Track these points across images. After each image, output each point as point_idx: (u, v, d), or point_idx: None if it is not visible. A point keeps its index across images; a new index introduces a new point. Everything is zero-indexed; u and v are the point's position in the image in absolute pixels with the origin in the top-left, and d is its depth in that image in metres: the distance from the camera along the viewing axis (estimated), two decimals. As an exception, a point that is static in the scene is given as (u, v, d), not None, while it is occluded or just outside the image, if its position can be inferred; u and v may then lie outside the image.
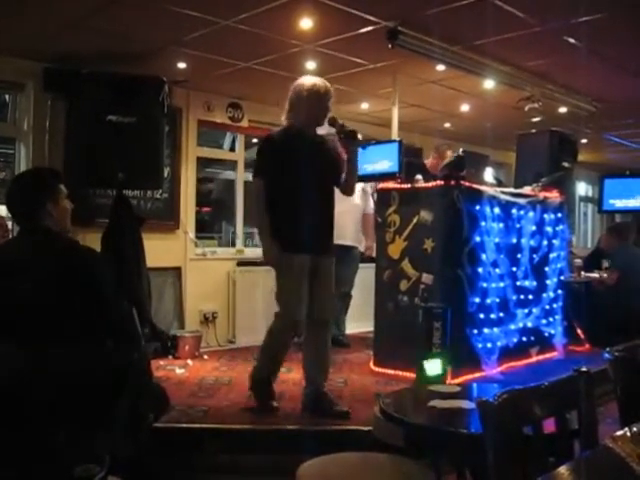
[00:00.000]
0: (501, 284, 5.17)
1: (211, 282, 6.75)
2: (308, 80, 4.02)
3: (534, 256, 5.62)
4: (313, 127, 4.07)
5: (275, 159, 3.94)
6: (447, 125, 8.32)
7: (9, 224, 4.87)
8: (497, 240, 5.12)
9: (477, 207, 4.95)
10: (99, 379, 2.42)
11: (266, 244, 3.94)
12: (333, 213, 4.12)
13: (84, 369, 2.38)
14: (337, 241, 6.20)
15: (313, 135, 4.08)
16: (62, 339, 2.38)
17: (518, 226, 5.40)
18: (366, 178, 5.68)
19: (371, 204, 6.60)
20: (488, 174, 5.63)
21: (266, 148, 4.06)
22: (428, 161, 6.44)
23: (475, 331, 4.89)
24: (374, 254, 5.82)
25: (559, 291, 6.02)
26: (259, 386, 4.17)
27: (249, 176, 6.50)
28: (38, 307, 2.40)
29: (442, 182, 4.90)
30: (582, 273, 7.10)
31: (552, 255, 5.88)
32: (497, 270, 5.11)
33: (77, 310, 2.46)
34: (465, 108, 7.45)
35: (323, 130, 4.21)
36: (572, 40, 5.05)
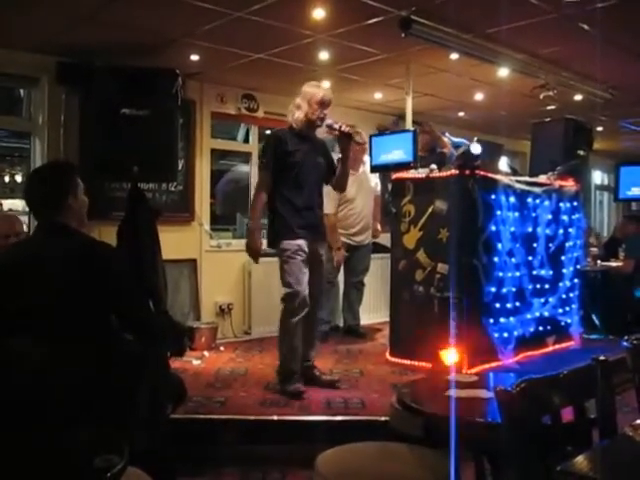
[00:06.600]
0: (517, 273, 5.15)
1: (226, 273, 6.77)
2: (316, 89, 4.40)
3: (550, 245, 5.58)
4: (313, 130, 4.46)
5: (279, 156, 4.33)
6: (461, 114, 8.27)
7: (25, 219, 4.90)
8: (513, 229, 5.10)
9: (492, 196, 4.94)
10: (118, 371, 2.44)
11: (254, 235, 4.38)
12: (322, 205, 4.59)
13: (103, 362, 2.40)
14: (363, 241, 6.25)
15: (313, 137, 4.49)
16: (81, 334, 2.40)
17: (534, 215, 5.38)
18: (381, 168, 5.67)
19: (378, 187, 6.57)
20: (503, 163, 5.60)
21: (271, 144, 4.44)
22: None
23: (491, 320, 4.87)
24: (379, 235, 5.99)
25: (575, 280, 5.98)
26: (287, 378, 4.35)
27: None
28: (57, 304, 2.41)
29: (457, 171, 4.88)
30: (598, 262, 7.07)
31: (568, 244, 5.85)
32: (513, 259, 5.09)
33: (96, 305, 2.47)
34: (479, 97, 7.39)
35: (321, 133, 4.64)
36: (587, 27, 5.00)
